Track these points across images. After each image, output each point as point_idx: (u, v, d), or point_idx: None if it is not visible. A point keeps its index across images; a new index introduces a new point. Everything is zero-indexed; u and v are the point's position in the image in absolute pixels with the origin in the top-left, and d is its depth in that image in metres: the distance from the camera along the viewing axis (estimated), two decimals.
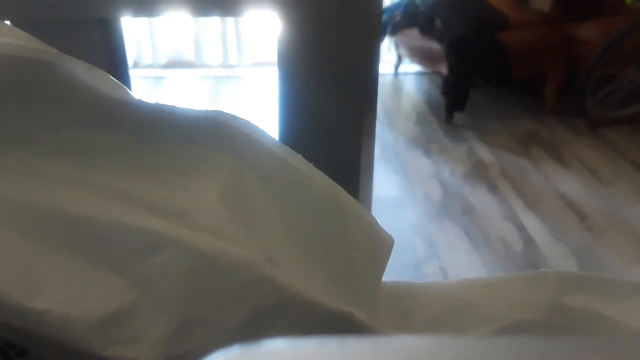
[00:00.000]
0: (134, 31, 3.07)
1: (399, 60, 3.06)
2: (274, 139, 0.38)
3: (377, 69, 0.55)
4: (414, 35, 2.55)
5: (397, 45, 2.91)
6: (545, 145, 2.23)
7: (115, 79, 0.38)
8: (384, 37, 2.85)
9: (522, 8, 2.43)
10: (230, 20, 3.07)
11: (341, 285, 0.38)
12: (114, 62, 0.62)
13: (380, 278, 0.41)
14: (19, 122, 0.33)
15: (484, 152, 2.18)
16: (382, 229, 0.41)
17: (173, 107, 0.36)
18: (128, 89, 0.38)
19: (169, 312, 0.31)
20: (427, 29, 2.47)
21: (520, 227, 1.70)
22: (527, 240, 1.64)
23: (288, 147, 0.38)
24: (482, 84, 2.53)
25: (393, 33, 2.72)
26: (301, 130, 0.54)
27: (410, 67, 3.12)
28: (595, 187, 1.92)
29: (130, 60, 3.00)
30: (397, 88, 2.99)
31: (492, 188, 1.92)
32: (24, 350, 0.35)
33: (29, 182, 0.32)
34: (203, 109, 0.37)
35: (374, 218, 0.41)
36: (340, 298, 0.34)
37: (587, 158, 2.11)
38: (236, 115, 0.37)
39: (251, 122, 0.37)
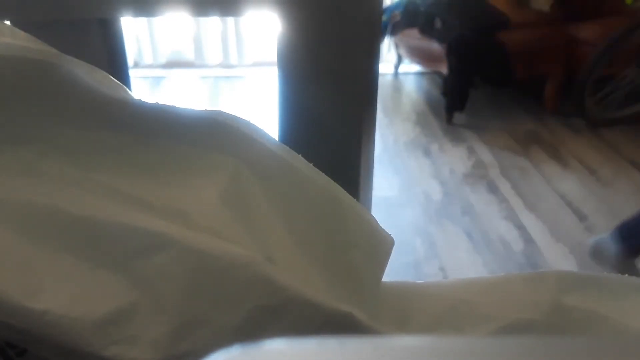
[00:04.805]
0: (134, 31, 3.07)
1: (399, 60, 3.06)
2: (274, 139, 0.38)
3: (377, 69, 0.55)
4: (414, 35, 2.55)
5: (397, 45, 2.92)
6: (545, 145, 2.23)
7: (115, 79, 0.38)
8: (384, 37, 2.85)
9: (522, 8, 2.43)
10: (230, 20, 3.07)
11: (341, 285, 0.38)
12: (114, 62, 0.62)
13: (380, 278, 0.41)
14: (19, 122, 0.33)
15: (484, 152, 2.18)
16: (382, 228, 0.41)
17: (173, 107, 0.36)
18: (128, 89, 0.38)
19: (169, 312, 0.31)
20: (427, 29, 2.47)
21: (520, 227, 1.70)
22: (527, 240, 1.64)
23: (288, 147, 0.38)
24: (482, 84, 2.53)
25: (393, 33, 2.72)
26: (301, 130, 0.54)
27: (410, 67, 3.12)
28: (595, 187, 1.92)
29: (130, 60, 3.00)
30: (397, 88, 3.00)
31: (492, 188, 1.92)
32: (24, 350, 0.36)
33: (29, 182, 0.32)
34: (203, 109, 0.37)
35: (374, 218, 0.41)
36: (340, 298, 0.34)
37: (587, 158, 2.11)
38: (236, 115, 0.37)
39: (251, 122, 0.37)
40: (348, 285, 0.38)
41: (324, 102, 0.53)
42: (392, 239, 0.42)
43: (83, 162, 0.34)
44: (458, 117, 2.45)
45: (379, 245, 0.41)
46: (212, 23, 3.07)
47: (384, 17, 2.63)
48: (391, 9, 2.69)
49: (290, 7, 0.49)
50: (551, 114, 2.48)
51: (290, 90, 0.53)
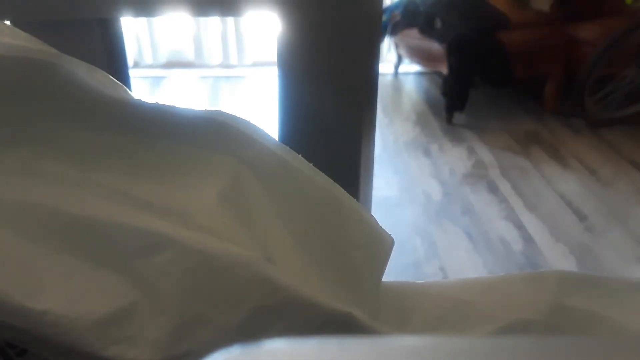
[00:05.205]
0: (134, 31, 3.07)
1: (399, 60, 3.06)
2: (274, 139, 0.38)
3: (377, 69, 0.55)
4: (414, 35, 2.55)
5: (397, 45, 2.92)
6: (545, 145, 2.23)
7: (115, 79, 0.38)
8: (384, 37, 2.85)
9: (522, 8, 2.43)
10: (230, 20, 3.07)
11: (341, 285, 0.38)
12: (114, 62, 0.62)
13: (380, 278, 0.41)
14: (19, 122, 0.33)
15: (484, 152, 2.18)
16: (382, 229, 0.41)
17: (173, 107, 0.36)
18: (128, 89, 0.38)
19: (169, 312, 0.31)
20: (427, 29, 2.47)
21: (520, 227, 1.69)
22: (527, 240, 1.64)
23: (288, 147, 0.38)
24: (482, 84, 2.53)
25: (393, 33, 2.72)
26: (301, 130, 0.54)
27: (410, 67, 3.12)
28: (594, 187, 1.92)
29: (130, 60, 3.00)
30: (397, 88, 2.99)
31: (492, 188, 1.92)
32: (24, 350, 0.36)
33: (29, 182, 0.32)
34: (203, 109, 0.37)
35: (374, 218, 0.41)
36: (340, 298, 0.34)
37: (587, 158, 2.11)
38: (236, 115, 0.37)
39: (251, 122, 0.37)
40: (348, 285, 0.38)
41: (324, 102, 0.53)
42: (392, 239, 0.42)
43: (83, 162, 0.34)
44: (458, 117, 2.45)
45: (379, 245, 0.41)
46: (212, 23, 3.06)
47: (384, 17, 2.63)
48: (391, 9, 2.69)
49: (290, 7, 0.49)
50: (551, 114, 2.47)
51: (290, 90, 0.53)
